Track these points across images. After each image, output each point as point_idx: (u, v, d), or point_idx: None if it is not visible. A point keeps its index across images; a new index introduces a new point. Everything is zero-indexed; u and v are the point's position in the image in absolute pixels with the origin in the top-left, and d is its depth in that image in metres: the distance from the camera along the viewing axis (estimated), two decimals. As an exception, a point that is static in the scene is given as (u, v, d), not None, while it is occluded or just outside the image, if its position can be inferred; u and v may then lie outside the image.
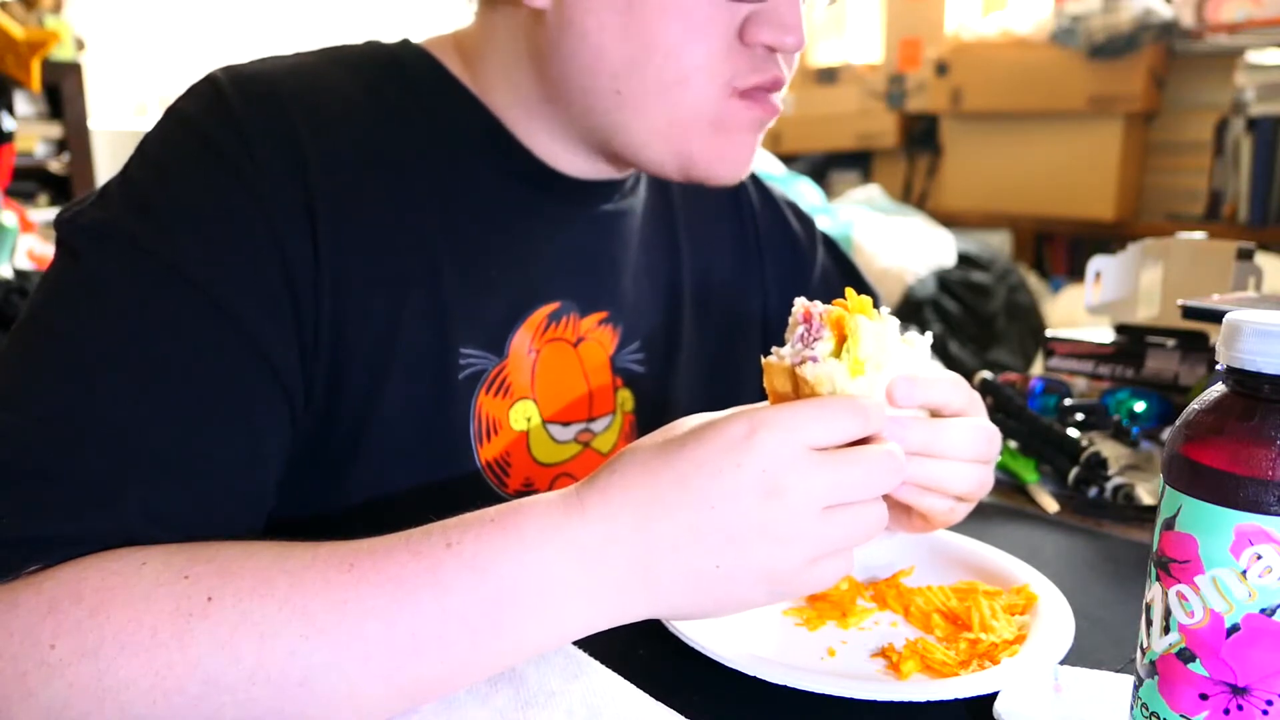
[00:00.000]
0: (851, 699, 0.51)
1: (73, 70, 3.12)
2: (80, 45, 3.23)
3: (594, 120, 0.65)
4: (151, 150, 0.59)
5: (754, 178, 0.90)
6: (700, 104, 0.63)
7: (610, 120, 0.64)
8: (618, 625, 0.49)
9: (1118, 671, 0.53)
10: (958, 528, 0.67)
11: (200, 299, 0.54)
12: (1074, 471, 0.89)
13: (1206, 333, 1.06)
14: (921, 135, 3.62)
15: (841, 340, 0.51)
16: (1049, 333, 1.21)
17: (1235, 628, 0.38)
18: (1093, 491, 0.88)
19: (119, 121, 3.62)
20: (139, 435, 0.50)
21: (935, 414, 0.57)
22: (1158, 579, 0.41)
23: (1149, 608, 0.42)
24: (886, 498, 0.50)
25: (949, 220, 3.28)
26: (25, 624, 0.44)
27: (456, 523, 0.48)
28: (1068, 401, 1.05)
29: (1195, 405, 0.40)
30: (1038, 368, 1.26)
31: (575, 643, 0.52)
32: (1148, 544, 0.59)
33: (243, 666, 0.43)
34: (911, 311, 2.82)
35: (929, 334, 0.56)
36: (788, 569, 0.48)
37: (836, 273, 0.92)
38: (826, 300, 0.54)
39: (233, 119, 0.59)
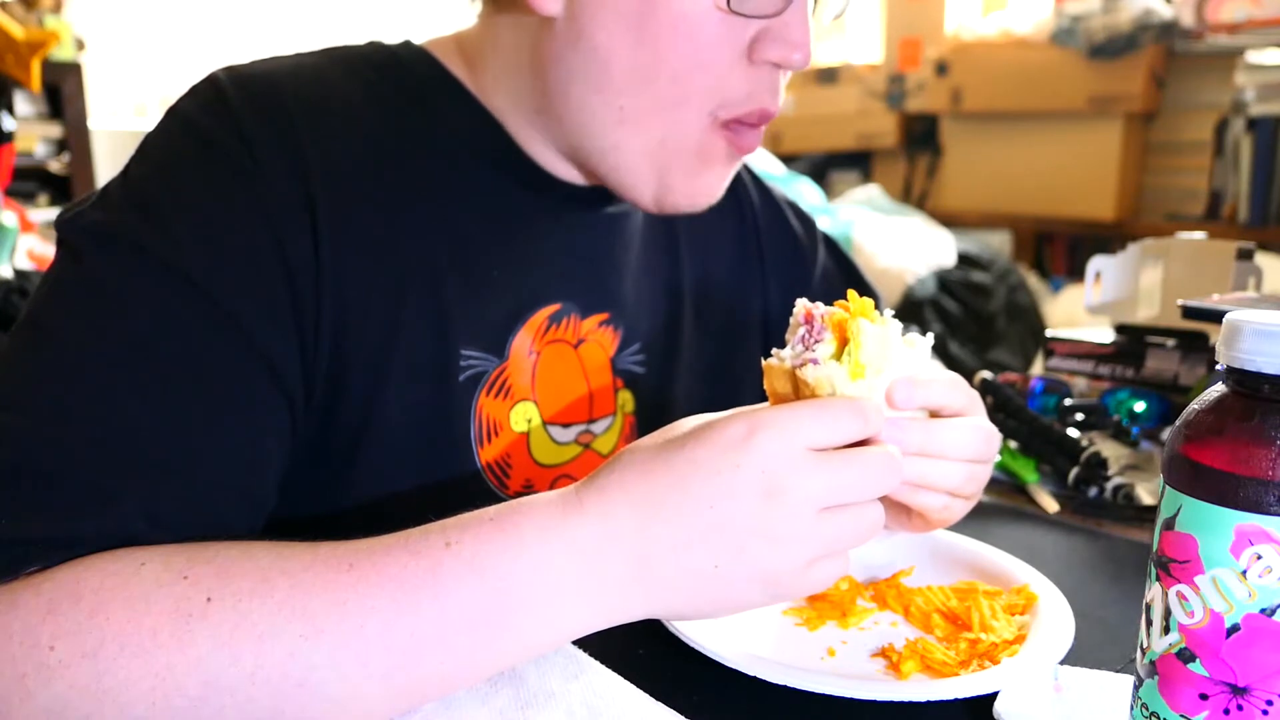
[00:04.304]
0: (851, 699, 0.51)
1: (73, 70, 3.13)
2: (80, 45, 3.23)
3: (585, 135, 0.65)
4: (152, 150, 0.59)
5: (754, 177, 0.90)
6: (691, 129, 0.63)
7: (604, 139, 0.64)
8: (616, 625, 0.49)
9: (1118, 671, 0.53)
10: (958, 528, 0.67)
11: (201, 300, 0.54)
12: (1074, 471, 0.89)
13: (1206, 333, 1.06)
14: (921, 135, 3.62)
15: (843, 342, 0.51)
16: (1049, 333, 1.21)
17: (1235, 628, 0.38)
18: (1093, 491, 0.88)
19: (119, 121, 3.63)
20: (138, 436, 0.50)
21: (935, 414, 0.57)
22: (1158, 579, 0.41)
23: (1149, 608, 0.42)
24: (884, 498, 0.50)
25: (949, 220, 3.28)
26: (24, 625, 0.44)
27: (455, 522, 0.48)
28: (1068, 401, 1.05)
29: (1195, 405, 0.40)
30: (1038, 368, 1.26)
31: (575, 643, 0.52)
32: (1148, 544, 0.59)
33: (243, 667, 0.43)
34: (911, 311, 2.82)
35: (930, 335, 0.56)
36: (785, 569, 0.48)
37: (837, 273, 0.92)
38: (827, 301, 0.54)
39: (234, 119, 0.58)
